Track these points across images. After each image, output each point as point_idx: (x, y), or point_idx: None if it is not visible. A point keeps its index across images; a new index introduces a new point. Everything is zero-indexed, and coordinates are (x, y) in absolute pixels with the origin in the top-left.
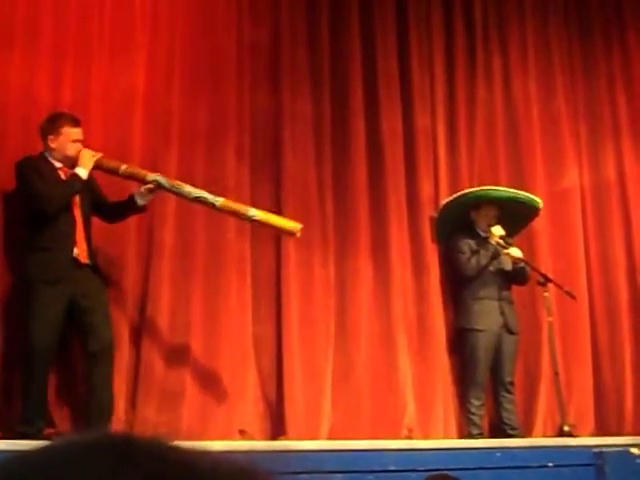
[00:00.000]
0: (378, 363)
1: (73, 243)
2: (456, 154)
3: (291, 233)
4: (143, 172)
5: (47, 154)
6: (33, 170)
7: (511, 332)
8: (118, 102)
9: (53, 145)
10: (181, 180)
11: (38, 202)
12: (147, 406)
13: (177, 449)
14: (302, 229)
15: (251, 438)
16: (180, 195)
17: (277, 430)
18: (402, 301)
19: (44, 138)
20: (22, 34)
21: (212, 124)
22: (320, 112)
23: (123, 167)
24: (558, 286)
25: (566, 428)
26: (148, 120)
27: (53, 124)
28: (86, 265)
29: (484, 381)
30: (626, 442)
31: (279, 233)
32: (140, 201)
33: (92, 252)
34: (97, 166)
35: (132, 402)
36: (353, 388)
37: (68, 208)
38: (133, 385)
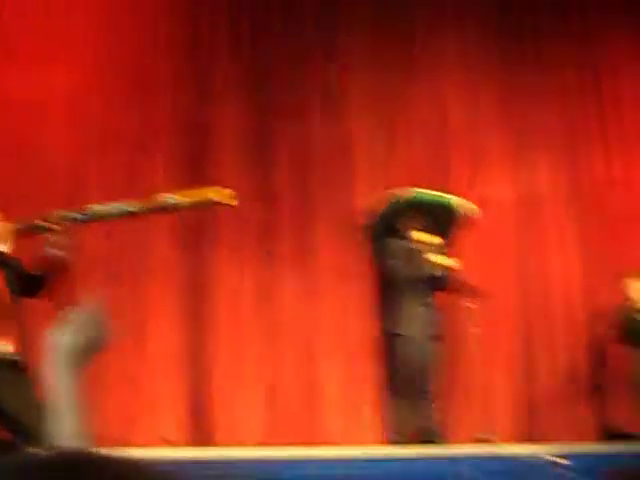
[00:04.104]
0: (304, 369)
1: None
2: (385, 160)
3: (221, 201)
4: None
5: None
6: None
7: (436, 339)
8: (39, 100)
9: None
10: (109, 184)
11: None
12: None
13: (129, 466)
14: (232, 194)
15: (176, 445)
16: (100, 219)
17: (202, 438)
18: (328, 307)
19: None
20: None
21: (139, 127)
22: (248, 118)
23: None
24: (482, 295)
25: (489, 438)
26: (72, 121)
27: None
28: None
29: (408, 388)
30: (551, 451)
31: (210, 205)
32: (51, 252)
33: None
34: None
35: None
36: (280, 395)
37: None
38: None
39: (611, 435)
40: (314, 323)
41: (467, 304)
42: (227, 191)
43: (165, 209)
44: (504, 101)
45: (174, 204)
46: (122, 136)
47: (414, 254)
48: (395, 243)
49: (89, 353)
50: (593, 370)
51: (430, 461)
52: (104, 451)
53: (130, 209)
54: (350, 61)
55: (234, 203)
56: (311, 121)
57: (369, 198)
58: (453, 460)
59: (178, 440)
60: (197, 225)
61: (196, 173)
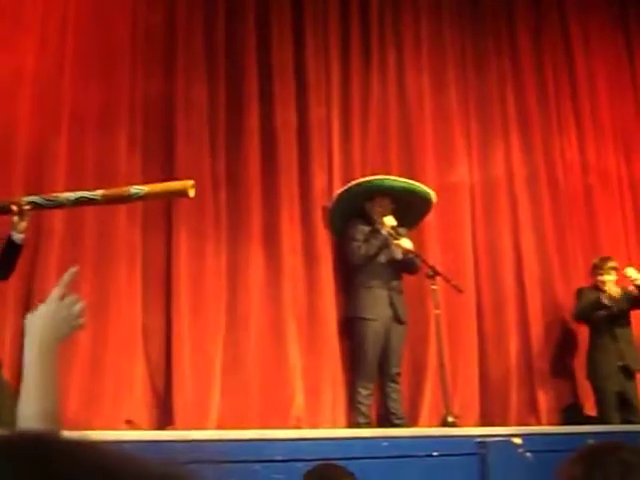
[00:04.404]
0: (268, 352)
1: None
2: (349, 146)
3: (184, 193)
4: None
5: None
6: None
7: (400, 322)
8: (5, 83)
9: None
10: (73, 163)
11: None
12: None
13: (99, 452)
14: (195, 185)
15: (138, 428)
16: (59, 206)
17: (165, 420)
18: (293, 290)
19: None
20: None
21: (104, 109)
22: (215, 101)
23: None
24: (446, 279)
25: (450, 419)
26: (37, 102)
27: None
28: None
29: (372, 371)
30: (509, 432)
31: (173, 198)
32: (17, 237)
33: None
34: None
35: (15, 390)
36: (242, 378)
37: None
38: (17, 375)
39: (569, 416)
40: (278, 305)
41: (431, 286)
42: (191, 182)
43: (129, 200)
44: (469, 86)
45: (139, 195)
46: (88, 117)
47: (378, 238)
48: (359, 227)
49: (59, 336)
50: (551, 352)
51: (395, 442)
52: (66, 433)
53: (94, 198)
54: (317, 47)
55: (193, 195)
56: (278, 105)
57: (335, 182)
58: (418, 441)
59: (141, 422)
60: (160, 206)
61: (161, 153)
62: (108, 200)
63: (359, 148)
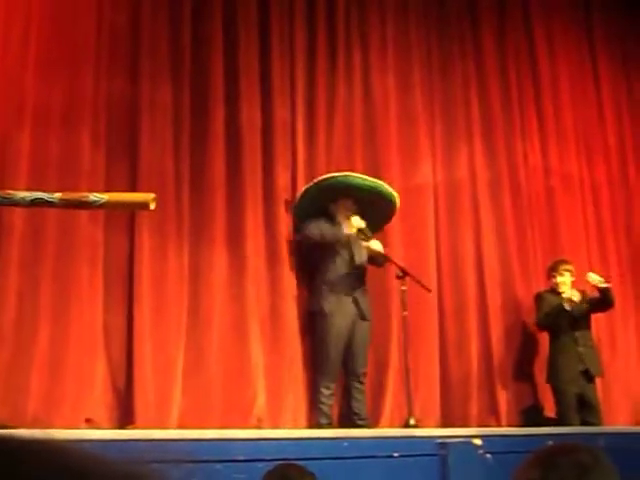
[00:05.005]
0: (230, 352)
1: None
2: (314, 147)
3: (144, 205)
4: None
5: None
6: None
7: (364, 318)
8: None
9: None
10: (35, 160)
11: None
12: None
13: (63, 449)
14: (156, 198)
15: (98, 427)
16: (15, 204)
17: (125, 419)
18: (256, 290)
19: None
20: None
21: (68, 107)
22: (179, 101)
23: None
24: (416, 280)
25: (412, 422)
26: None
27: None
28: None
29: (335, 370)
30: (469, 433)
31: (133, 209)
32: None
33: None
34: None
35: None
36: (204, 377)
37: None
38: None
39: (529, 418)
40: (241, 305)
41: (401, 287)
42: (152, 195)
43: (88, 206)
44: (434, 88)
45: (98, 204)
46: (51, 115)
47: (343, 236)
48: (324, 225)
49: None
50: (511, 353)
51: (355, 443)
52: (26, 432)
53: (52, 200)
54: (283, 48)
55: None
56: (244, 106)
57: (300, 183)
58: (379, 442)
59: (101, 421)
60: None
61: (125, 153)
62: (66, 204)
63: (324, 149)
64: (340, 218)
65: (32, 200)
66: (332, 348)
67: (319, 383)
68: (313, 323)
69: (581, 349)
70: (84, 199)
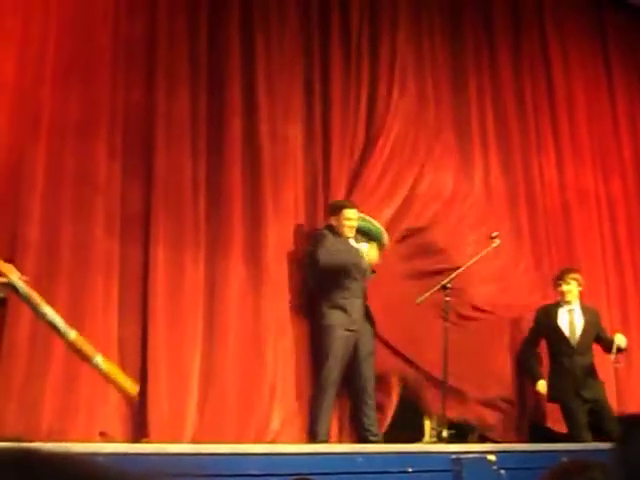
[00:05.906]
0: (246, 366)
1: None
2: (331, 159)
3: (127, 393)
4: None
5: None
6: None
7: (366, 331)
8: None
9: None
10: (51, 173)
11: None
12: (6, 407)
13: (81, 463)
14: (138, 393)
15: (112, 440)
16: (33, 309)
17: (139, 432)
18: (272, 303)
19: None
20: None
21: (84, 118)
22: (196, 112)
23: None
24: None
25: (444, 434)
26: (16, 110)
27: None
28: None
29: (336, 384)
30: (484, 449)
31: (116, 388)
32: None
33: None
34: None
35: None
36: (219, 391)
37: None
38: None
39: (537, 434)
40: (257, 318)
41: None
42: (137, 388)
43: (88, 362)
44: (454, 103)
45: (97, 366)
46: (68, 127)
47: (343, 245)
48: (333, 248)
49: None
50: (516, 369)
51: (370, 457)
52: (42, 445)
53: (64, 334)
54: (297, 60)
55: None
56: (261, 116)
57: (318, 194)
58: (393, 457)
59: (115, 434)
60: (138, 216)
61: (142, 164)
62: (72, 347)
63: (339, 162)
64: (342, 230)
65: (49, 322)
66: (334, 359)
67: (316, 394)
68: (314, 334)
69: (578, 373)
70: (89, 353)
